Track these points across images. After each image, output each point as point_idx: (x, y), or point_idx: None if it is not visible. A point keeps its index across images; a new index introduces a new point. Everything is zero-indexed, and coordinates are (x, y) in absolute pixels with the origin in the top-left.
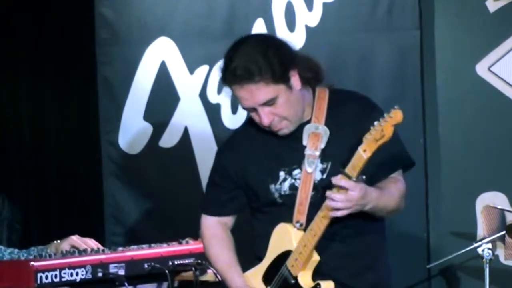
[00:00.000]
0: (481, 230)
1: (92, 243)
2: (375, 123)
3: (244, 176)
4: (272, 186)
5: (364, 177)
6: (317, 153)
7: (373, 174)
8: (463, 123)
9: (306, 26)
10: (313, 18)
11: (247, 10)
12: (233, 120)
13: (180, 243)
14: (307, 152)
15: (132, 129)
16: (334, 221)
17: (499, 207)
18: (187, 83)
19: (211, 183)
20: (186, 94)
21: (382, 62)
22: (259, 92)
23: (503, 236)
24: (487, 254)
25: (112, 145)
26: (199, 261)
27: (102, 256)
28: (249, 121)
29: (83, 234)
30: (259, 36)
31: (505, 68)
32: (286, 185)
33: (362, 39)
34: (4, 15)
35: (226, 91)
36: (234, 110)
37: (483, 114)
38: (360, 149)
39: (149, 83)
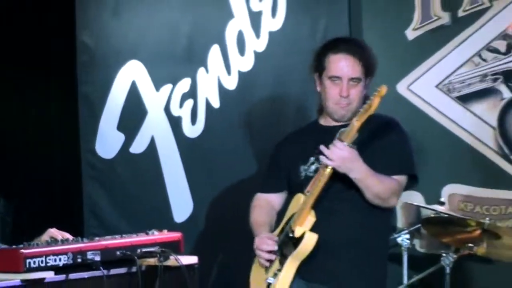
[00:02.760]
0: (400, 223)
1: (67, 235)
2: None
3: (286, 161)
4: (301, 167)
5: (355, 146)
6: None
7: (379, 168)
8: None
9: (255, 51)
10: (261, 44)
11: (205, 38)
12: (192, 130)
13: (147, 234)
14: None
15: (107, 138)
16: (332, 191)
17: (415, 203)
18: (154, 99)
19: (265, 169)
20: (152, 108)
21: None
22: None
23: (419, 228)
24: (406, 243)
25: (90, 151)
26: (163, 249)
27: (81, 245)
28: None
29: (66, 227)
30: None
31: (422, 87)
32: (312, 168)
33: (303, 61)
34: None
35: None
36: (193, 122)
37: (403, 125)
38: (354, 120)
39: (121, 99)
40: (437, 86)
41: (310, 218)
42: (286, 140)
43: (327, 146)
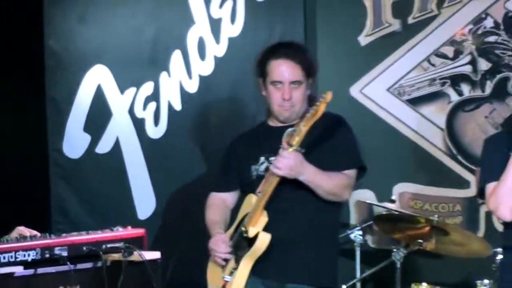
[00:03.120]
0: (353, 220)
1: (35, 232)
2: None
3: (238, 161)
4: (252, 167)
5: (303, 150)
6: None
7: (329, 166)
8: None
9: (215, 56)
10: (220, 49)
11: (167, 43)
12: (155, 131)
13: (112, 230)
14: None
15: (74, 138)
16: (283, 194)
17: (368, 201)
18: (118, 102)
19: (218, 169)
20: (117, 111)
21: None
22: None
23: (371, 225)
24: (358, 239)
25: (57, 151)
26: (127, 245)
27: (49, 241)
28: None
29: (34, 224)
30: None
31: (374, 90)
32: (262, 167)
33: None
34: None
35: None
36: (156, 124)
37: (355, 126)
38: (301, 124)
39: (87, 101)
40: (388, 90)
41: (263, 219)
42: (237, 141)
43: (275, 148)
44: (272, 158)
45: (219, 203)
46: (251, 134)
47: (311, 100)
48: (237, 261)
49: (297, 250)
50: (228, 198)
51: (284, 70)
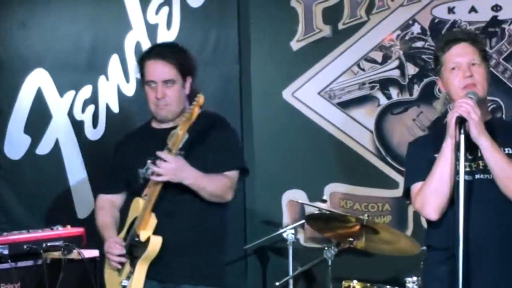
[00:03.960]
0: (286, 219)
1: None
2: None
3: (124, 163)
4: (140, 171)
5: (183, 152)
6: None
7: (210, 167)
8: (272, 136)
9: None
10: None
11: (105, 48)
12: (93, 133)
13: (52, 229)
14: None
15: (14, 140)
16: (168, 196)
17: (299, 201)
18: (58, 104)
19: (106, 171)
20: (57, 113)
21: (211, 90)
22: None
23: (303, 224)
24: (291, 238)
25: None
26: (67, 243)
27: None
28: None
29: None
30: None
31: (306, 94)
32: (149, 171)
33: None
34: None
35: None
36: (94, 126)
37: (288, 129)
38: (177, 129)
39: (28, 104)
40: (319, 93)
41: (152, 221)
42: (123, 144)
43: (160, 151)
44: (157, 161)
45: (108, 206)
46: (136, 137)
47: (192, 100)
48: (132, 265)
49: (186, 252)
50: (116, 199)
51: (156, 69)
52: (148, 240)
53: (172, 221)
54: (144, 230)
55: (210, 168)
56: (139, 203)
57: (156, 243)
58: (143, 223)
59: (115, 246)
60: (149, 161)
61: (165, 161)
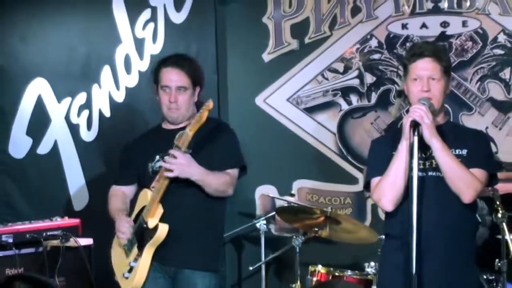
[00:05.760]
0: (258, 211)
1: None
2: (200, 110)
3: (136, 159)
4: (149, 164)
5: (190, 151)
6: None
7: (215, 165)
8: (247, 137)
9: (139, 71)
10: (144, 65)
11: (98, 59)
12: (88, 135)
13: (51, 220)
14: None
15: (18, 141)
16: (174, 190)
17: (271, 195)
18: (56, 109)
19: (118, 166)
20: (55, 117)
21: None
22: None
23: (274, 215)
24: (263, 228)
25: (3, 152)
26: (65, 232)
27: None
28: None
29: None
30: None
31: (276, 100)
32: (158, 164)
33: None
34: None
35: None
36: (89, 128)
37: (261, 132)
38: (187, 129)
39: (29, 109)
40: (288, 100)
41: (159, 211)
42: (135, 141)
43: (168, 148)
44: (166, 157)
45: (120, 194)
46: (147, 136)
47: (199, 107)
48: (140, 249)
49: (188, 240)
50: (127, 190)
51: (171, 76)
52: (156, 227)
53: (177, 212)
54: (152, 218)
55: (215, 166)
56: (147, 194)
57: (163, 229)
58: (151, 212)
59: (124, 223)
60: (157, 156)
61: (175, 157)
